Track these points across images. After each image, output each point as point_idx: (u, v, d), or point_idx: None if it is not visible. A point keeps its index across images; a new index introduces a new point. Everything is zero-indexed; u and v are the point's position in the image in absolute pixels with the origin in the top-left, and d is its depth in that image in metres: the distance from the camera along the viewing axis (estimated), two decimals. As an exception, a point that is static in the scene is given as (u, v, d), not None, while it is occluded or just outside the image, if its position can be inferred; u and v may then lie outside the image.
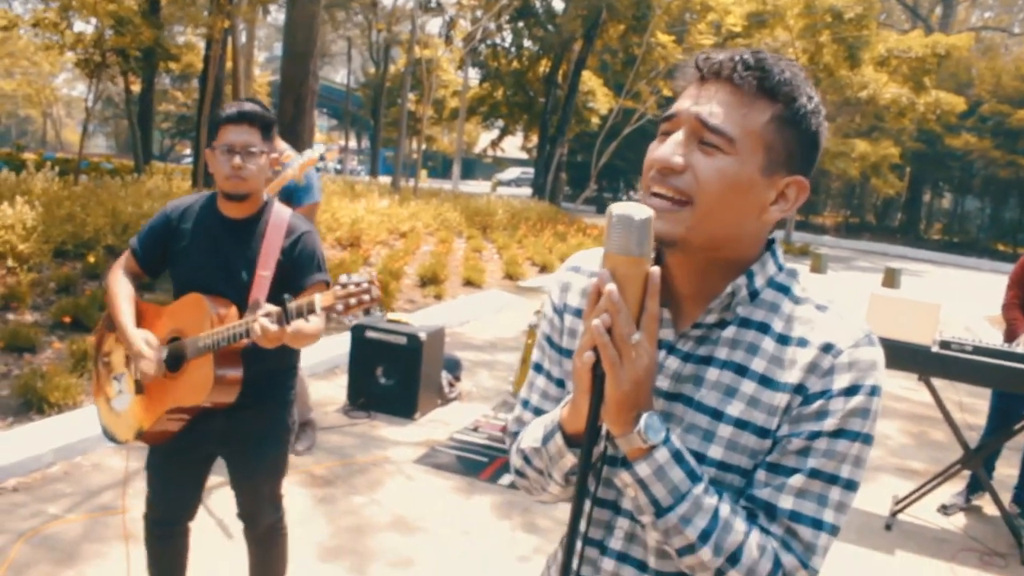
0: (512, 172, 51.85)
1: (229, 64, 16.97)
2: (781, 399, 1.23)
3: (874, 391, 1.22)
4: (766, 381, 1.25)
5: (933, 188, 39.93)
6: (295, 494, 4.53)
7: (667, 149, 1.22)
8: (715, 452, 1.25)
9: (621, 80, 28.68)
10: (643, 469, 1.20)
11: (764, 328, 1.27)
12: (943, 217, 41.76)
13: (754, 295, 1.29)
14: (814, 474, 1.21)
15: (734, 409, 1.25)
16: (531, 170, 51.27)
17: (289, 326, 2.39)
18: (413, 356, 6.11)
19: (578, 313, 1.44)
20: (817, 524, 1.22)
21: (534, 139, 34.95)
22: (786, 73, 1.22)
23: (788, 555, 1.21)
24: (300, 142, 9.79)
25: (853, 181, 34.81)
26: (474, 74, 33.21)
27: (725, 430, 1.25)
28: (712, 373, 1.28)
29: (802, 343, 1.24)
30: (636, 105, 24.51)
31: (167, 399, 2.68)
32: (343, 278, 2.34)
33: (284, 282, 2.63)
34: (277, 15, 31.55)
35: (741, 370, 1.26)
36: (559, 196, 30.12)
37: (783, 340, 1.26)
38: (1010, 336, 5.21)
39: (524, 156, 48.11)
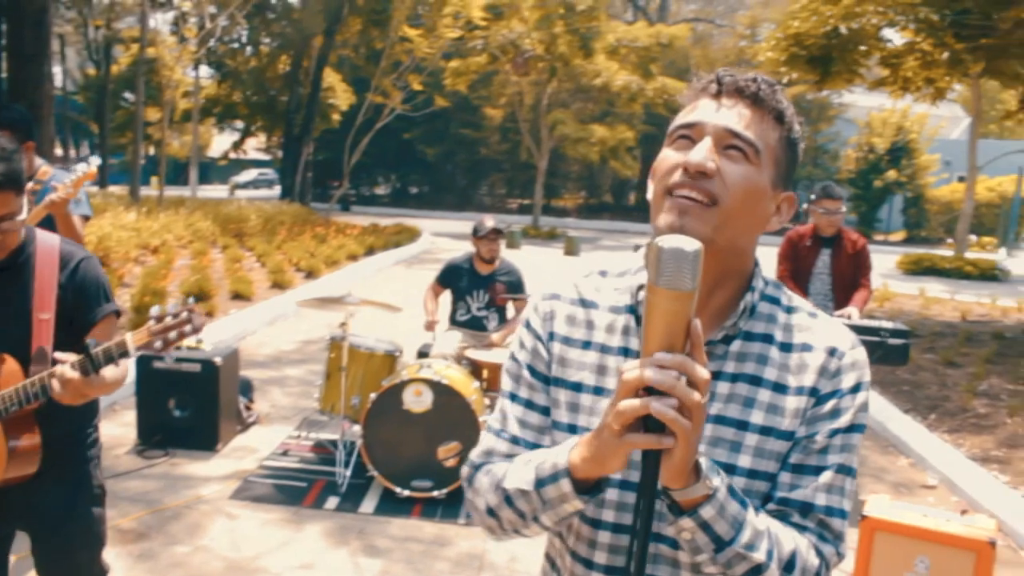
0: (249, 174, 49.90)
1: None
2: (799, 402, 1.30)
3: (868, 386, 1.34)
4: (779, 387, 1.30)
5: (661, 167, 42.84)
6: (106, 556, 4.04)
7: (700, 154, 1.23)
8: (744, 461, 1.29)
9: (361, 75, 28.37)
10: (707, 512, 1.18)
11: (768, 339, 1.33)
12: (672, 194, 44.83)
13: (752, 309, 1.34)
14: (839, 469, 1.29)
15: (757, 417, 1.29)
16: (269, 171, 49.66)
17: (97, 375, 2.05)
18: (209, 383, 5.69)
19: (567, 341, 1.40)
20: (842, 514, 1.30)
21: (275, 139, 33.86)
22: (785, 100, 1.31)
23: (826, 546, 1.29)
24: (40, 154, 8.80)
25: (591, 164, 36.57)
26: (208, 73, 31.58)
27: (752, 439, 1.29)
28: (722, 387, 1.30)
29: (806, 348, 1.32)
30: (385, 101, 24.28)
31: None
32: (155, 310, 2.07)
33: (69, 320, 2.27)
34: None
35: (755, 380, 1.31)
36: (308, 197, 29.38)
37: (786, 348, 1.33)
38: None
39: (263, 157, 46.51)
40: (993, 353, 9.85)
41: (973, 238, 27.44)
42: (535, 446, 1.39)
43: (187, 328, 2.04)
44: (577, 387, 1.37)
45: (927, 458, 6.22)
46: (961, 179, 28.18)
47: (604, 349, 1.36)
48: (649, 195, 1.32)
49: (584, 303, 1.41)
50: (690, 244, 1.08)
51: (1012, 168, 31.04)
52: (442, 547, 4.46)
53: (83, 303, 2.33)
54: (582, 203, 41.77)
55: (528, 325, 1.44)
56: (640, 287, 1.35)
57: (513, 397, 1.43)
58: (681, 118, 1.31)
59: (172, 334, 2.03)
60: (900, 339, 5.18)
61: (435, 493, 4.92)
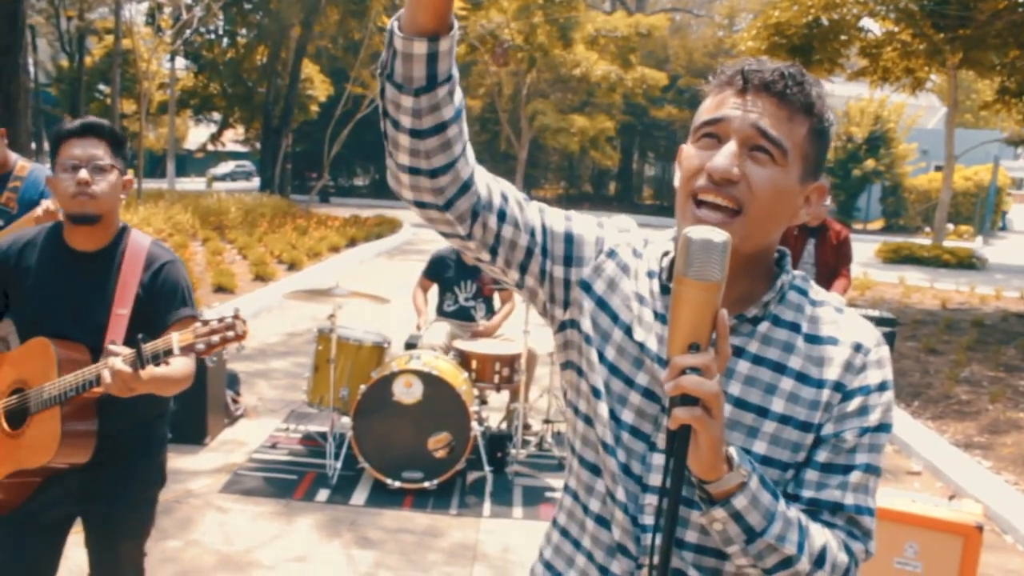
0: (227, 166, 49.55)
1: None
2: (821, 394, 1.28)
3: (891, 384, 1.34)
4: (803, 378, 1.29)
5: (642, 157, 42.97)
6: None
7: (725, 161, 1.22)
8: (759, 447, 1.28)
9: (339, 66, 28.16)
10: (740, 501, 1.18)
11: (795, 327, 1.32)
12: (652, 183, 45.07)
13: (783, 295, 1.33)
14: (867, 469, 1.29)
15: (777, 406, 1.28)
16: (246, 163, 49.33)
17: (144, 371, 2.09)
18: (196, 376, 5.62)
19: (625, 269, 1.39)
20: (870, 512, 1.30)
21: (254, 131, 33.60)
22: (816, 89, 1.27)
23: (855, 543, 1.29)
24: (17, 148, 8.66)
25: (571, 154, 36.59)
26: (184, 65, 31.26)
27: (769, 426, 1.28)
28: (743, 366, 1.30)
29: (832, 341, 1.31)
30: (364, 91, 24.16)
31: (8, 461, 2.30)
32: (206, 314, 2.14)
33: (144, 320, 2.32)
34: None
35: (779, 367, 1.29)
36: (288, 189, 29.22)
37: (812, 339, 1.31)
38: None
39: (240, 149, 46.18)
40: (973, 340, 9.97)
41: (950, 227, 27.69)
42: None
43: (230, 334, 2.09)
44: (615, 317, 1.37)
45: (911, 444, 6.29)
46: (938, 168, 28.41)
47: (641, 299, 1.37)
48: (676, 183, 1.32)
49: (635, 253, 1.42)
50: (718, 235, 1.10)
51: (988, 157, 31.39)
52: (435, 538, 4.47)
53: (159, 305, 2.40)
54: (562, 193, 41.79)
55: (604, 233, 1.42)
56: (664, 254, 1.37)
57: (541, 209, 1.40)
58: (706, 113, 1.28)
59: (215, 338, 2.08)
60: (885, 327, 5.25)
61: (426, 484, 4.93)
